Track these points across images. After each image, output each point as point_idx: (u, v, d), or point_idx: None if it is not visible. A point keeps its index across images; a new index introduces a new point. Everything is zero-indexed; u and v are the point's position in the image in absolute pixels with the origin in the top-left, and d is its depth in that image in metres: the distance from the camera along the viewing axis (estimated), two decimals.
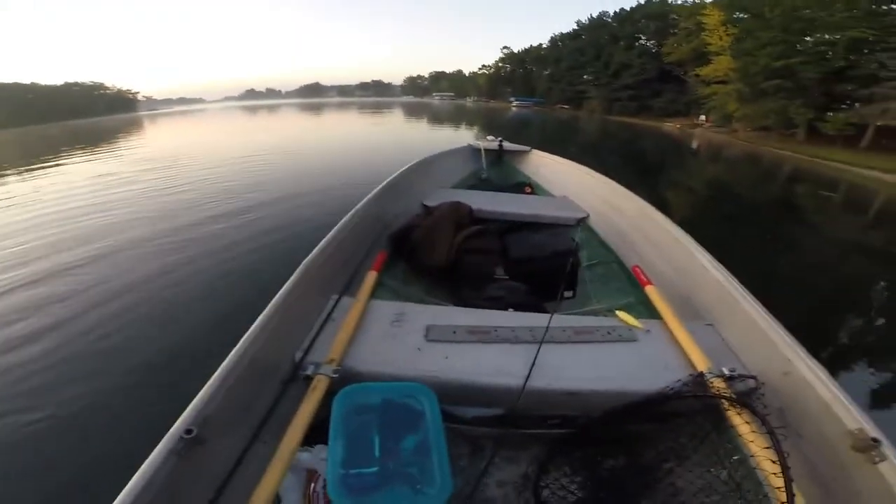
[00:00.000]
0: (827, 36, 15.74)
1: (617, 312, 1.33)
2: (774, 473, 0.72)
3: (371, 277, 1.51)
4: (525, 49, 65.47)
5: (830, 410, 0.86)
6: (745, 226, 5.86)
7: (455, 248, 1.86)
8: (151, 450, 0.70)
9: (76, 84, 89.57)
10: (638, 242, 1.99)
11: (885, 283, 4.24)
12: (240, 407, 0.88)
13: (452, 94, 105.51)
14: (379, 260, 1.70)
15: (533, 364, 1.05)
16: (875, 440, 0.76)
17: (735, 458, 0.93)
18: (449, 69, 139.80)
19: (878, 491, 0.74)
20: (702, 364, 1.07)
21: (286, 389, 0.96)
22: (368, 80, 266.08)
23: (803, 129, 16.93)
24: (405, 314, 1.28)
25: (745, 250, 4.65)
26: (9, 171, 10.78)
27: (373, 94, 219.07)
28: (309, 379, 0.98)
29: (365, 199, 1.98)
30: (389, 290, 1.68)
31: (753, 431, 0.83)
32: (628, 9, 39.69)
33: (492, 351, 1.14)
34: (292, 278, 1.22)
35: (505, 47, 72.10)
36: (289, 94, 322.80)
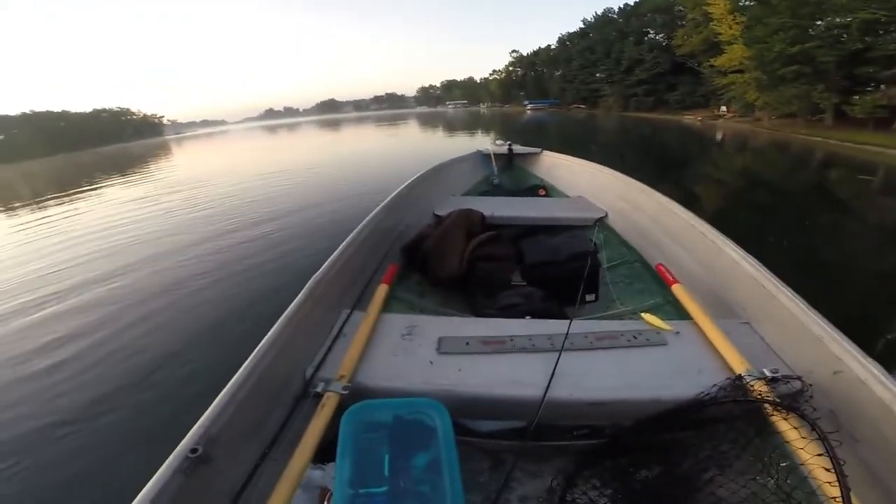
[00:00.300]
0: (838, 19, 15.09)
1: (643, 315, 1.27)
2: (829, 482, 0.66)
3: (382, 291, 1.50)
4: (534, 51, 65.38)
5: (890, 411, 0.79)
6: (780, 215, 5.57)
7: (467, 256, 1.82)
8: (157, 469, 0.69)
9: (104, 110, 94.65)
10: (661, 239, 1.91)
11: None
12: (248, 424, 0.87)
13: (465, 101, 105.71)
14: (390, 273, 1.68)
15: (553, 373, 1.00)
16: None
17: (783, 465, 0.86)
18: (460, 77, 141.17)
19: None
20: (740, 366, 1.00)
21: (296, 406, 0.95)
22: (382, 93, 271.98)
23: (830, 113, 16.26)
24: (417, 327, 1.26)
25: (782, 241, 4.42)
26: (50, 200, 11.49)
27: (387, 107, 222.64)
28: (319, 396, 0.97)
29: (374, 212, 1.96)
30: (402, 302, 1.67)
31: (803, 437, 0.76)
32: (632, 3, 38.97)
33: (508, 361, 1.10)
34: (301, 294, 1.21)
35: (514, 51, 72.39)
36: (306, 112, 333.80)
